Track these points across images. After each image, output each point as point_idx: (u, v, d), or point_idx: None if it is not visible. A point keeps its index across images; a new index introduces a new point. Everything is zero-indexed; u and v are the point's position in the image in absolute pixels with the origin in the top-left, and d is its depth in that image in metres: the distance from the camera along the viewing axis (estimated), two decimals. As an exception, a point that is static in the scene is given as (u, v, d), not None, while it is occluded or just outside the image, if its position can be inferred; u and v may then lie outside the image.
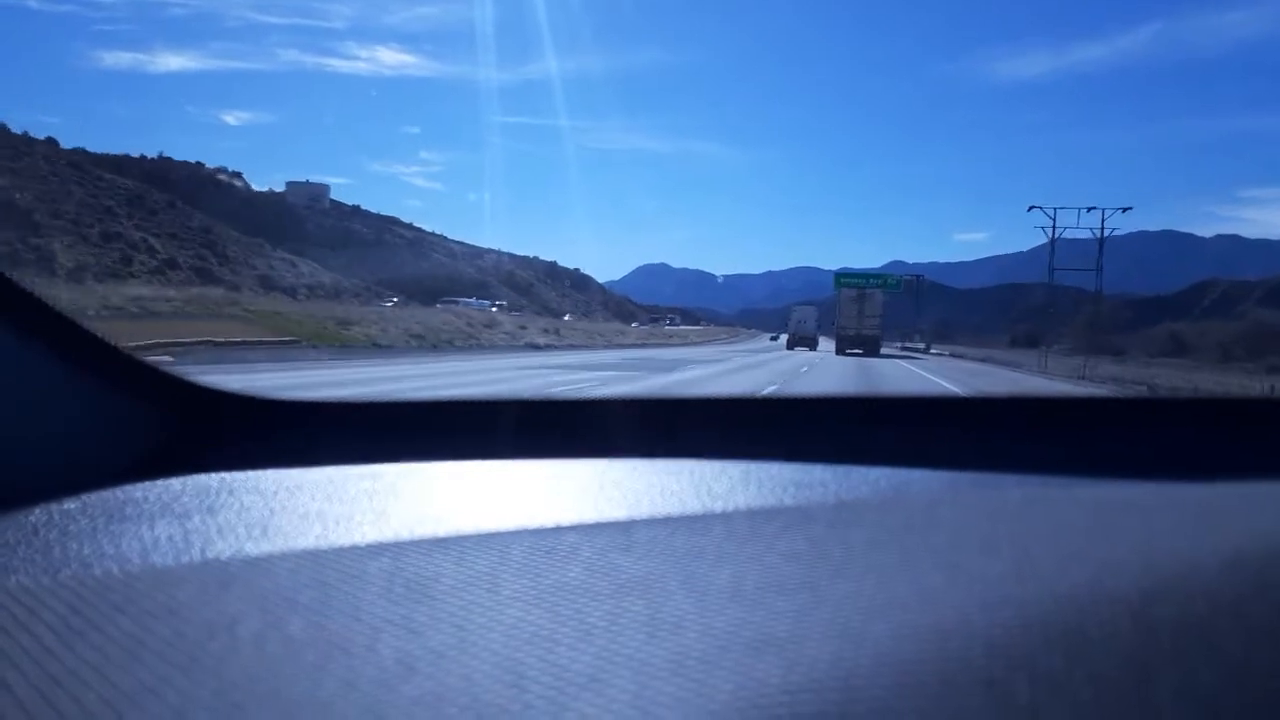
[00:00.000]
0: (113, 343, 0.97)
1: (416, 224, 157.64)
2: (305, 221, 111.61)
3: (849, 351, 43.20)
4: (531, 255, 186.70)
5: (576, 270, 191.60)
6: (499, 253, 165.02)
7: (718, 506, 0.82)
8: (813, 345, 51.17)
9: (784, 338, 56.30)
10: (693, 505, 0.83)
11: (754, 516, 0.76)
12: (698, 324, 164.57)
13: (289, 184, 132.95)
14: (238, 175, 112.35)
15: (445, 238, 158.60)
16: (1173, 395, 1.72)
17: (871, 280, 60.18)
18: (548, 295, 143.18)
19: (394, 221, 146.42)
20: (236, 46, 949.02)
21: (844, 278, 57.85)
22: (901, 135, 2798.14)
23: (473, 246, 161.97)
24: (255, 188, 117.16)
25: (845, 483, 0.92)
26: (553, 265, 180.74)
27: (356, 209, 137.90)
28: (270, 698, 0.45)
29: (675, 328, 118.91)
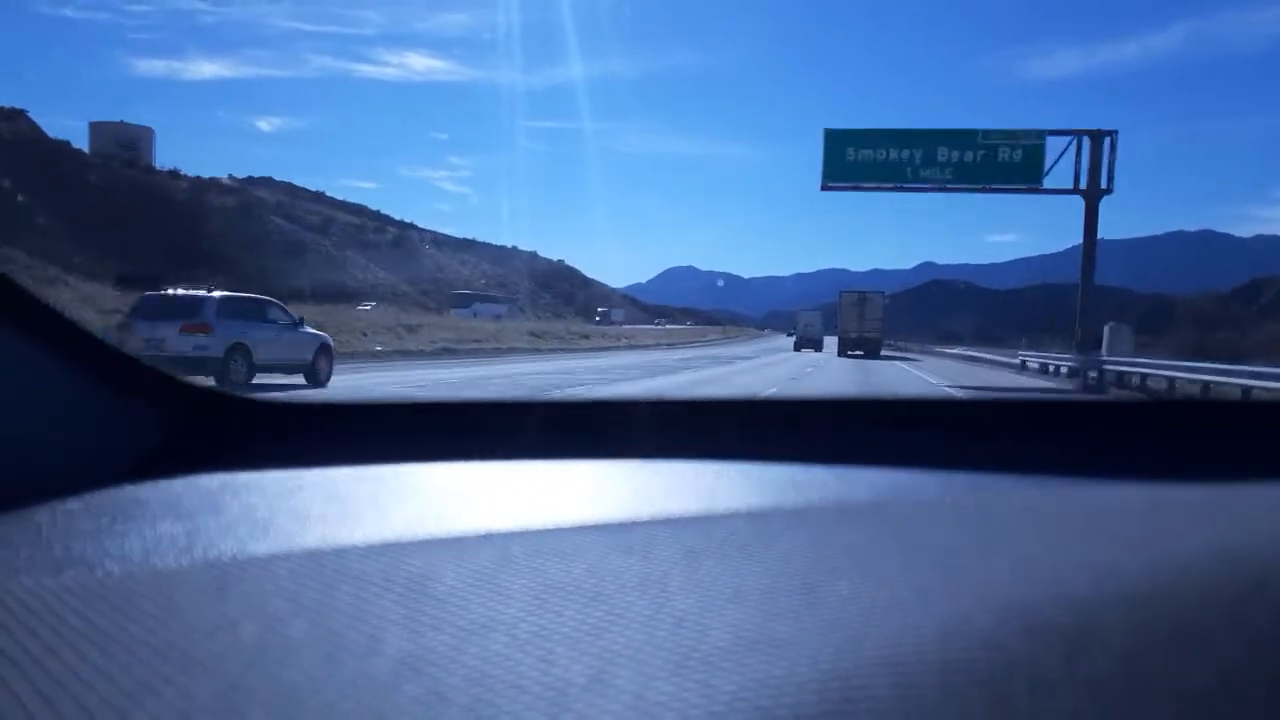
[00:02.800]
0: (116, 345, 0.97)
1: (288, 180, 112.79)
2: (89, 173, 76.30)
3: (850, 353, 44.97)
4: (510, 245, 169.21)
5: (560, 262, 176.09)
6: (402, 223, 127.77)
7: (718, 507, 0.82)
8: (818, 347, 54.99)
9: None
10: (693, 506, 0.83)
11: (754, 517, 0.76)
12: (715, 325, 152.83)
13: (92, 125, 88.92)
14: (18, 113, 78.01)
15: (323, 194, 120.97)
16: (1169, 398, 1.72)
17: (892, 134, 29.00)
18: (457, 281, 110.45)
19: (229, 181, 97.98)
20: (268, 53, 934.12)
21: (836, 133, 28.30)
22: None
23: (344, 204, 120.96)
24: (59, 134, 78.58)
25: (845, 484, 0.92)
26: (533, 255, 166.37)
27: (175, 173, 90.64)
28: (272, 697, 0.45)
29: (618, 327, 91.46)
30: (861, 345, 46.68)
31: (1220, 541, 0.63)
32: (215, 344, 13.65)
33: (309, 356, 15.44)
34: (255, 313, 14.98)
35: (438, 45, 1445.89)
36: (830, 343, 55.03)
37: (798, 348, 54.49)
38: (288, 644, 0.50)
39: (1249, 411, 1.20)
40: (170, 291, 14.87)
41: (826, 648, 0.48)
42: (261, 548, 0.70)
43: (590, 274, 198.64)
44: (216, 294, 14.49)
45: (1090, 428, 1.17)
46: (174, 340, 13.26)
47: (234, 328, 14.08)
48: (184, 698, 0.45)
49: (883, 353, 48.08)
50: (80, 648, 0.50)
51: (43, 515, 0.77)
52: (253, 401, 1.14)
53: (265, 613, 0.54)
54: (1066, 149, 27.30)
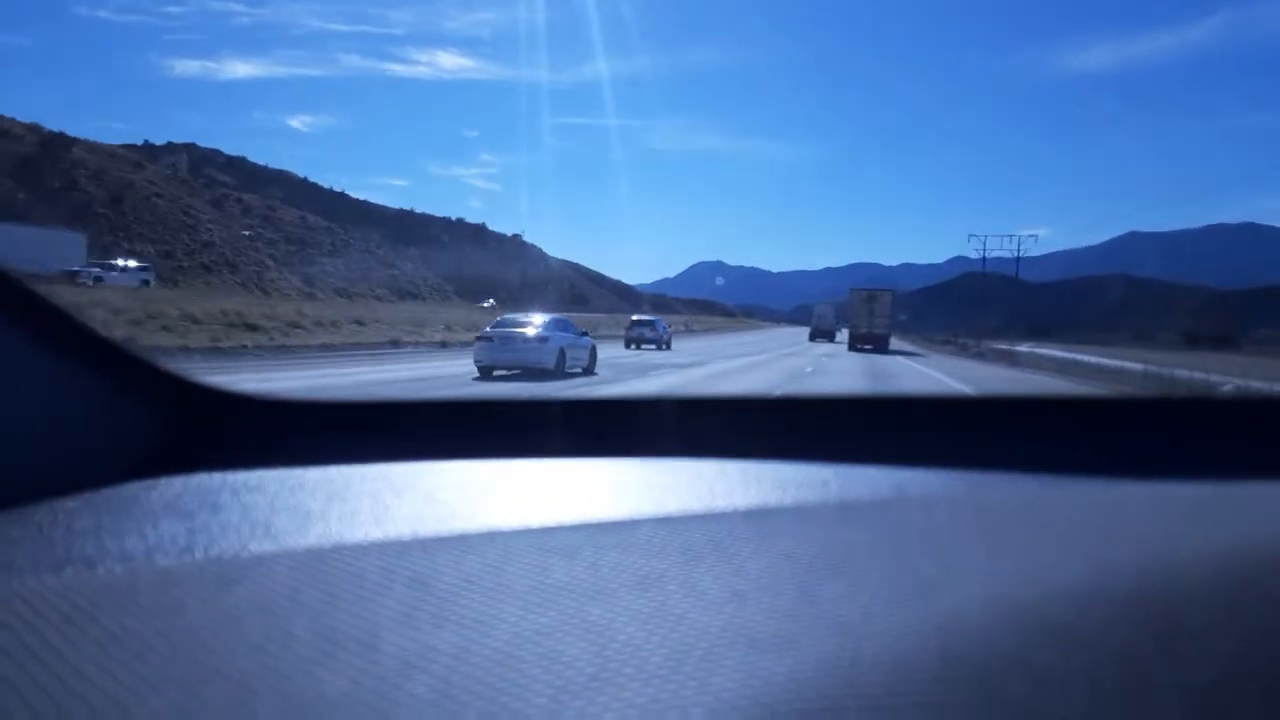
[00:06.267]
0: (118, 342, 0.98)
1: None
2: None
3: (860, 348, 47.86)
4: (456, 218, 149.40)
5: (516, 237, 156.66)
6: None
7: (719, 505, 0.82)
8: (831, 338, 60.13)
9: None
10: (693, 504, 0.83)
11: (754, 515, 0.76)
12: (731, 318, 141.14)
13: None
14: None
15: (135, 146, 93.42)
16: (1166, 395, 1.71)
17: None
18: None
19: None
20: (301, 53, 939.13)
21: None
22: (964, 129, 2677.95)
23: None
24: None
25: (845, 482, 0.93)
26: (480, 228, 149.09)
27: None
28: (274, 695, 0.45)
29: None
30: (871, 340, 49.87)
31: (1216, 538, 0.63)
32: (660, 338, 35.06)
33: (668, 339, 36.38)
34: (657, 323, 37.11)
35: (467, 44, 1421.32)
36: (841, 335, 59.18)
37: (813, 338, 60.08)
38: (289, 641, 0.50)
39: (1246, 409, 1.20)
40: (640, 317, 38.99)
41: (826, 645, 0.48)
42: (263, 546, 0.70)
43: (555, 253, 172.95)
44: (659, 317, 40.92)
45: (1088, 425, 1.18)
46: (649, 334, 35.02)
47: (659, 330, 35.81)
48: (186, 695, 0.45)
49: (905, 353, 49.80)
50: (82, 645, 0.50)
51: (43, 513, 0.77)
52: (254, 399, 1.13)
53: (267, 611, 0.54)
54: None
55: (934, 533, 0.70)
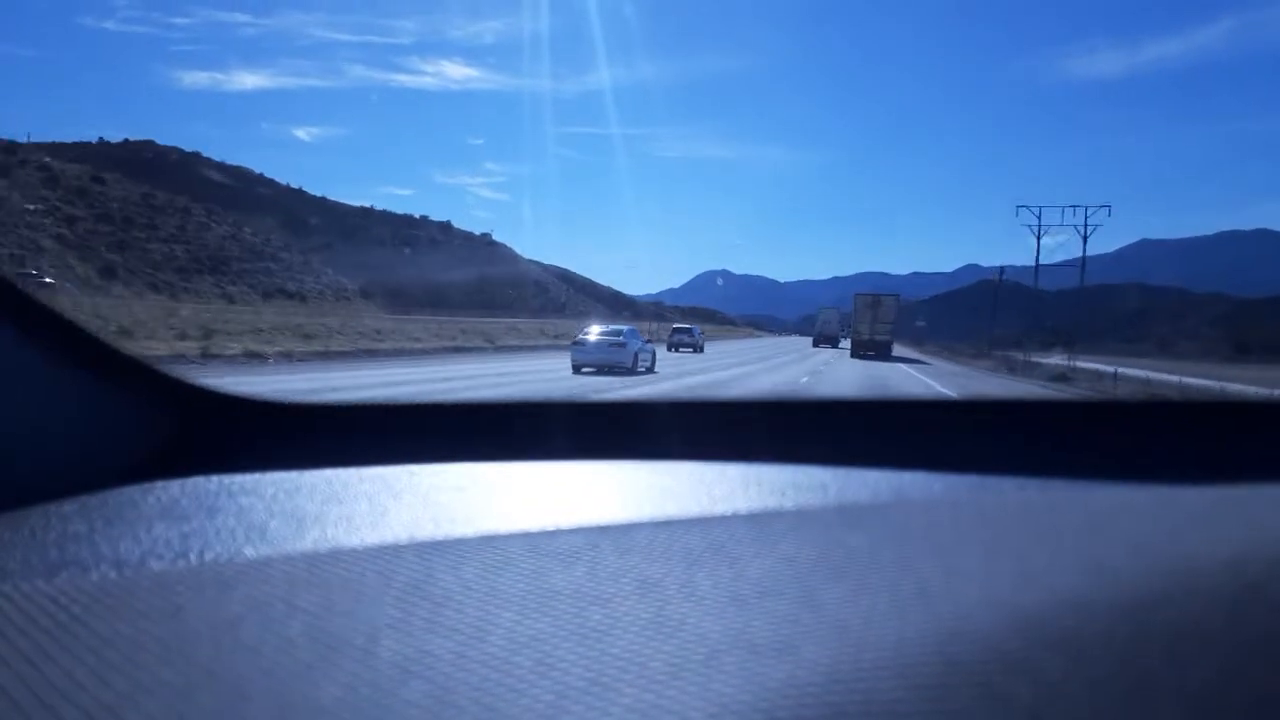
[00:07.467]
0: (115, 345, 0.97)
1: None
2: None
3: (863, 354, 47.07)
4: (421, 215, 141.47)
5: (485, 236, 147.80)
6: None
7: (718, 509, 0.82)
8: (834, 343, 61.63)
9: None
10: (693, 508, 0.83)
11: (754, 519, 0.76)
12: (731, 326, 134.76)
13: None
14: None
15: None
16: (1168, 399, 1.76)
17: None
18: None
19: None
20: (307, 64, 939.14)
21: None
22: (972, 136, 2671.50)
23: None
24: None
25: (845, 485, 0.92)
26: (446, 225, 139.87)
27: None
28: (268, 701, 0.45)
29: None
30: (873, 347, 48.74)
31: (1221, 543, 0.62)
32: (695, 342, 45.31)
33: (701, 343, 46.33)
34: (693, 330, 47.78)
35: (472, 53, 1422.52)
36: (845, 342, 57.83)
37: (816, 344, 61.24)
38: (284, 647, 0.50)
39: (1250, 412, 1.18)
40: (680, 325, 50.03)
41: (827, 651, 0.48)
42: (259, 550, 0.70)
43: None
44: (694, 327, 51.51)
45: (1091, 428, 1.17)
46: (686, 339, 44.72)
47: (695, 336, 46.24)
48: (180, 701, 0.45)
49: (910, 361, 48.88)
50: (75, 651, 0.50)
51: (37, 518, 0.77)
52: (251, 402, 1.12)
53: (262, 616, 0.54)
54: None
55: (936, 537, 0.70)
